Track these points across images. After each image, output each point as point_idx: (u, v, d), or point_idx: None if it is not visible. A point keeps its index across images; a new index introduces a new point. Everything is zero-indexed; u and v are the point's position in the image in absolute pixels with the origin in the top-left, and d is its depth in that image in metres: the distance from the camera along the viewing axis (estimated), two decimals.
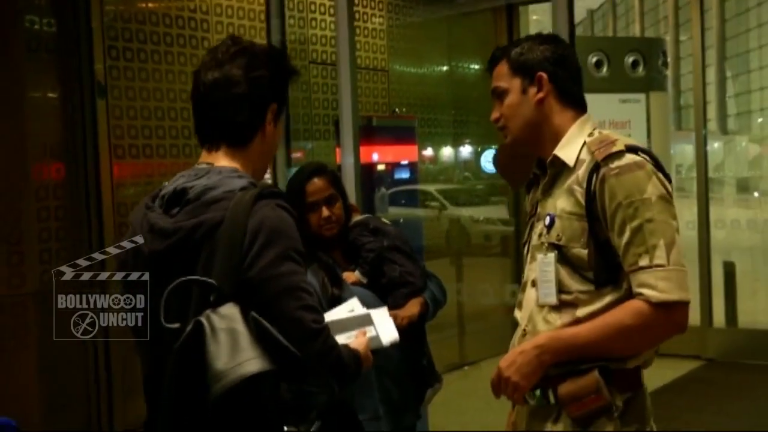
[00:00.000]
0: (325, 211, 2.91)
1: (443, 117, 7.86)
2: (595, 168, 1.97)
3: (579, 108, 2.15)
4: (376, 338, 2.18)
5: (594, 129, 2.10)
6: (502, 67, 2.16)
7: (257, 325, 1.67)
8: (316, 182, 2.93)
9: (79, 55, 4.90)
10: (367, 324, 2.18)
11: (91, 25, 4.94)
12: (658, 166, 2.00)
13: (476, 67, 8.30)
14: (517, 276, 8.17)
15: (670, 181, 2.01)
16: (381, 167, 6.18)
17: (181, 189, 1.85)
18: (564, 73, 2.14)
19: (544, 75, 2.11)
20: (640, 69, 8.79)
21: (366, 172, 5.06)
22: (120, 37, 5.16)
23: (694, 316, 7.42)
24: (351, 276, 2.98)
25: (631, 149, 1.98)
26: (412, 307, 2.94)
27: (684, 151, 21.68)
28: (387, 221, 3.21)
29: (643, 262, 1.91)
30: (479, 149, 8.37)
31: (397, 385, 2.96)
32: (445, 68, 8.00)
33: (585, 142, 2.05)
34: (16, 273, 4.59)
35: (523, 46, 2.15)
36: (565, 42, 2.23)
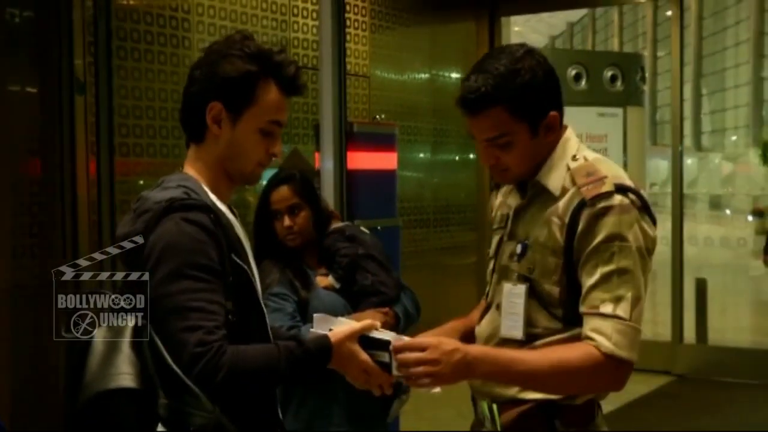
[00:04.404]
0: (287, 221, 2.90)
1: (423, 125, 7.87)
2: (581, 206, 1.85)
3: (562, 123, 1.99)
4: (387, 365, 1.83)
5: (577, 149, 1.96)
6: (500, 114, 1.88)
7: (152, 340, 1.69)
8: (281, 191, 2.91)
9: (59, 51, 4.84)
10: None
11: (72, 19, 4.89)
12: (646, 207, 1.87)
13: (457, 76, 8.32)
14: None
15: (655, 223, 1.90)
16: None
17: (138, 198, 1.87)
18: (560, 96, 1.96)
19: (557, 114, 1.93)
20: (619, 83, 8.88)
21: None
22: None
23: (665, 332, 7.49)
24: (324, 281, 2.97)
25: (621, 189, 1.85)
26: (372, 316, 2.67)
27: (658, 167, 21.94)
28: (366, 230, 3.20)
29: (605, 309, 1.80)
30: (457, 158, 8.38)
31: (363, 395, 2.94)
32: (426, 76, 8.01)
33: (568, 168, 1.92)
34: None
35: (517, 84, 1.87)
36: (542, 53, 1.96)
